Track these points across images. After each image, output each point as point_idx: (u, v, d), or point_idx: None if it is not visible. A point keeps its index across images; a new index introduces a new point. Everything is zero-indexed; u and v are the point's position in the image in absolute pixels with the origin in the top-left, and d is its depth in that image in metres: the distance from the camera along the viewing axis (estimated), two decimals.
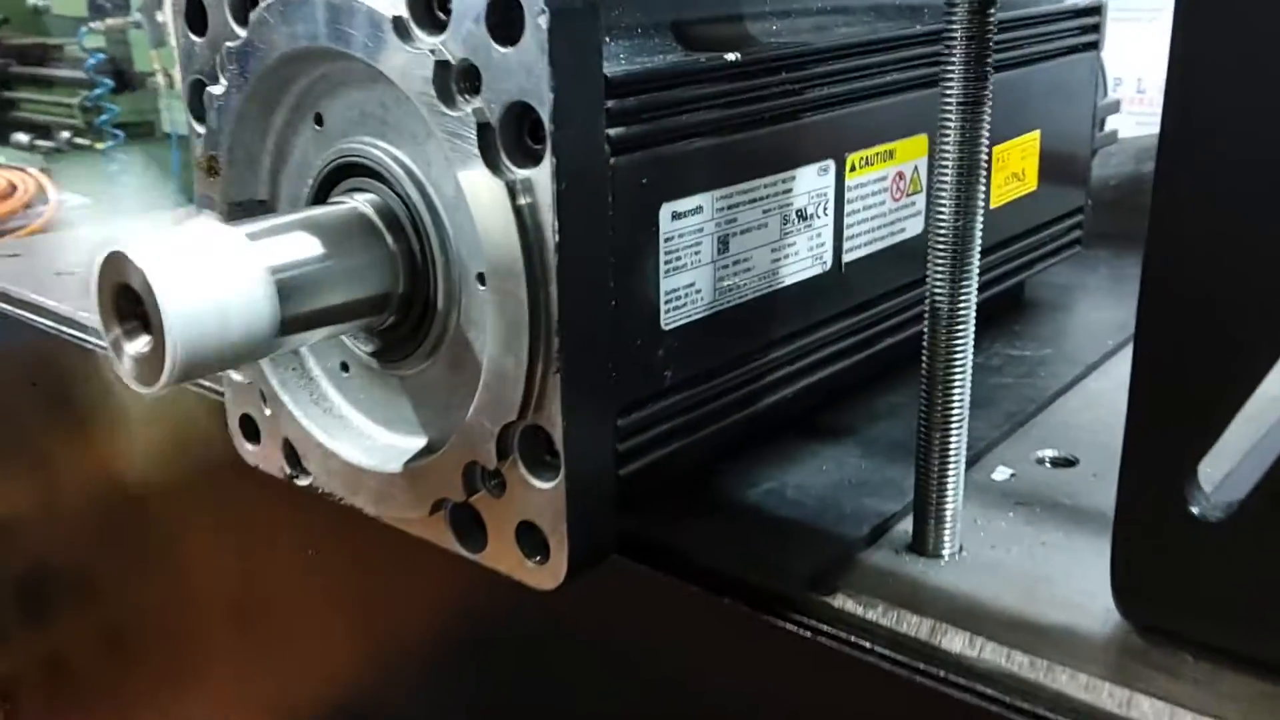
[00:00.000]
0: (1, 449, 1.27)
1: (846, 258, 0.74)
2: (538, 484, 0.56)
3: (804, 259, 0.71)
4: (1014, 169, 0.91)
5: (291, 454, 0.71)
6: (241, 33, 0.63)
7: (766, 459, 0.72)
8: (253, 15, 0.62)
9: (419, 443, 0.65)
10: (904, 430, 0.74)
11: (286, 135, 0.67)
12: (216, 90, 0.66)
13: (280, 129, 0.67)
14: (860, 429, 0.77)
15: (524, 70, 0.52)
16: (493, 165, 0.54)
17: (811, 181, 0.70)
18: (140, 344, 0.56)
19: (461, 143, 0.54)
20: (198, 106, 0.68)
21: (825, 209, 0.71)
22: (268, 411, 0.71)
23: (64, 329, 1.06)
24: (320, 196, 0.65)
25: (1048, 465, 0.73)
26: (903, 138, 0.76)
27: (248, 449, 0.74)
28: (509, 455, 0.56)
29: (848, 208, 0.73)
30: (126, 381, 0.57)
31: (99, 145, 3.56)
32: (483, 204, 0.55)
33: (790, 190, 0.68)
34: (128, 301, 0.56)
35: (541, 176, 0.52)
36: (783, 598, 0.59)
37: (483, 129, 0.54)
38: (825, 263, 0.72)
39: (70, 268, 1.22)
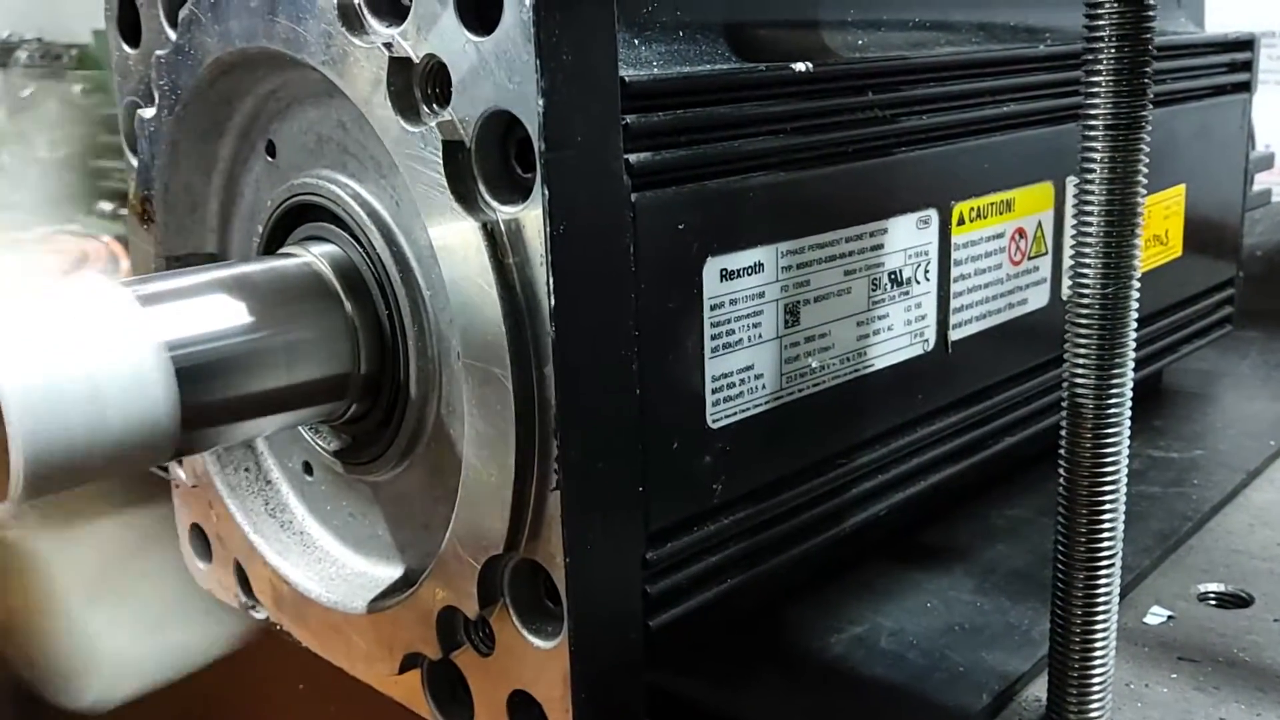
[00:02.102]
0: None
1: (954, 335, 0.64)
2: (534, 641, 0.46)
3: (899, 336, 0.61)
4: (1156, 230, 0.81)
5: (245, 576, 0.58)
6: (173, 36, 0.51)
7: (853, 594, 0.63)
8: (181, 13, 0.50)
9: (394, 573, 0.53)
10: (1028, 554, 0.67)
11: (235, 170, 0.56)
12: (147, 113, 0.53)
13: (228, 162, 0.56)
14: (973, 553, 0.68)
15: (504, 67, 0.40)
16: (466, 200, 0.42)
17: (908, 236, 0.60)
18: None
19: (425, 169, 0.42)
20: (132, 136, 0.57)
21: (926, 272, 0.61)
22: (215, 521, 0.57)
23: None
24: (273, 247, 0.54)
25: (1213, 603, 0.63)
26: (1023, 185, 0.67)
27: (199, 568, 0.61)
28: (497, 600, 0.47)
29: (955, 271, 0.63)
30: None
31: None
32: (453, 254, 0.43)
33: (880, 247, 0.58)
34: None
35: (532, 217, 0.41)
36: None
37: (452, 149, 0.42)
38: (927, 341, 0.63)
39: None
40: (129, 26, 0.56)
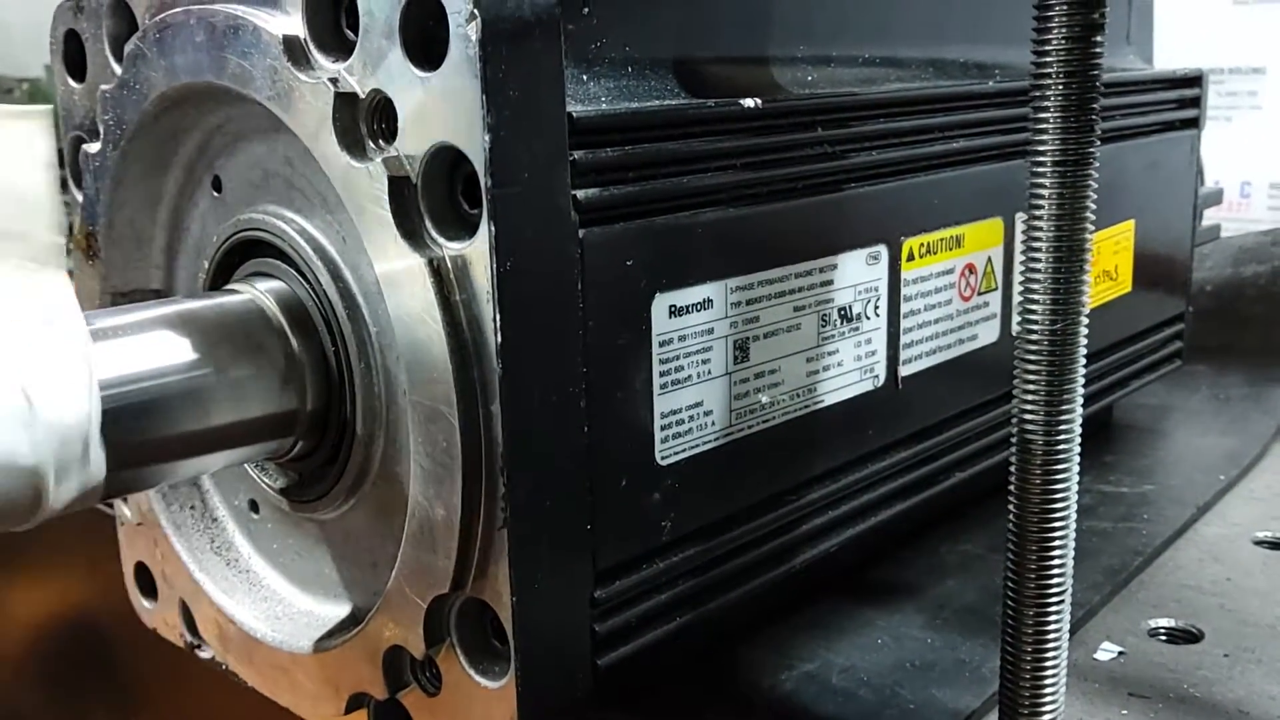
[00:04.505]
0: None
1: (904, 371, 0.64)
2: (481, 681, 0.45)
3: (849, 371, 0.60)
4: (1105, 266, 0.80)
5: (190, 615, 0.56)
6: (118, 70, 0.50)
7: (804, 631, 0.62)
8: (127, 47, 0.49)
9: (340, 611, 0.52)
10: (979, 590, 0.66)
11: (182, 206, 0.55)
12: (92, 148, 0.53)
13: (174, 197, 0.55)
14: (924, 589, 0.67)
15: (450, 103, 0.39)
16: (412, 236, 0.41)
17: (858, 272, 0.59)
18: None
19: (371, 205, 0.41)
20: (78, 171, 0.55)
21: (876, 308, 0.61)
22: (160, 559, 0.56)
23: None
24: (219, 283, 0.53)
25: (1163, 638, 0.62)
26: (973, 221, 0.66)
27: (144, 606, 0.60)
28: (444, 639, 0.46)
29: (905, 307, 0.63)
30: None
31: None
32: (400, 290, 0.42)
33: (830, 282, 0.57)
34: None
35: (478, 253, 0.40)
36: None
37: (398, 185, 0.41)
38: (877, 377, 0.62)
39: None
40: (74, 61, 0.55)
